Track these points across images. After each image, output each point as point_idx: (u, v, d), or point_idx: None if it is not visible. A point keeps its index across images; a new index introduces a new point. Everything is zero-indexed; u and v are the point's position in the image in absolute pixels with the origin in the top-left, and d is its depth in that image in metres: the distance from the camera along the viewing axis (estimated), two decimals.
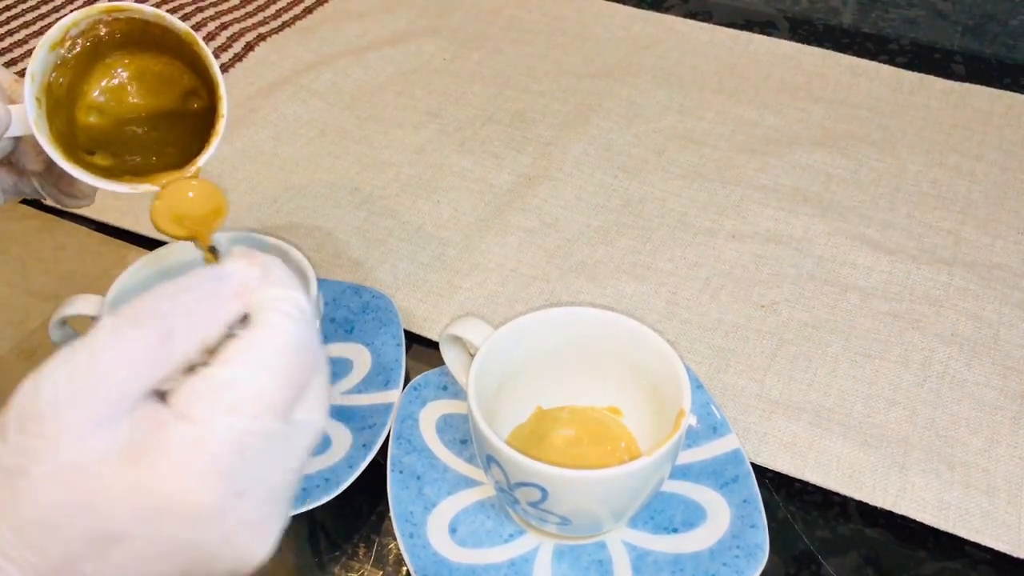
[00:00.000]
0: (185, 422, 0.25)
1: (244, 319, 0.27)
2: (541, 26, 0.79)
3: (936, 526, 0.45)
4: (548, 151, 0.66)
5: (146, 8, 0.38)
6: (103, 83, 0.41)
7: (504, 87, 0.72)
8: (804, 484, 0.47)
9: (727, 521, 0.43)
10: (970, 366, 0.52)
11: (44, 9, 0.80)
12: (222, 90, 0.39)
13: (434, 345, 0.47)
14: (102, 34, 0.39)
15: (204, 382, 0.25)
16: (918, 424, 0.49)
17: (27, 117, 0.35)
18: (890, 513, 0.46)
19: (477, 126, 0.68)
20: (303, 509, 0.42)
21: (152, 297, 0.26)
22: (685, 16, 0.80)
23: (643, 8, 0.82)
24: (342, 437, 0.46)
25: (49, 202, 0.43)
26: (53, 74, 0.38)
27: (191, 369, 0.26)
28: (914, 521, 0.45)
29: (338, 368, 0.50)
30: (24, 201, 0.60)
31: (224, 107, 0.39)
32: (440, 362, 0.47)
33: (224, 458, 0.24)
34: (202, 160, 0.38)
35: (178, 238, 0.38)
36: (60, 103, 0.38)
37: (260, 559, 0.26)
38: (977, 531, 0.45)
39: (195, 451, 0.24)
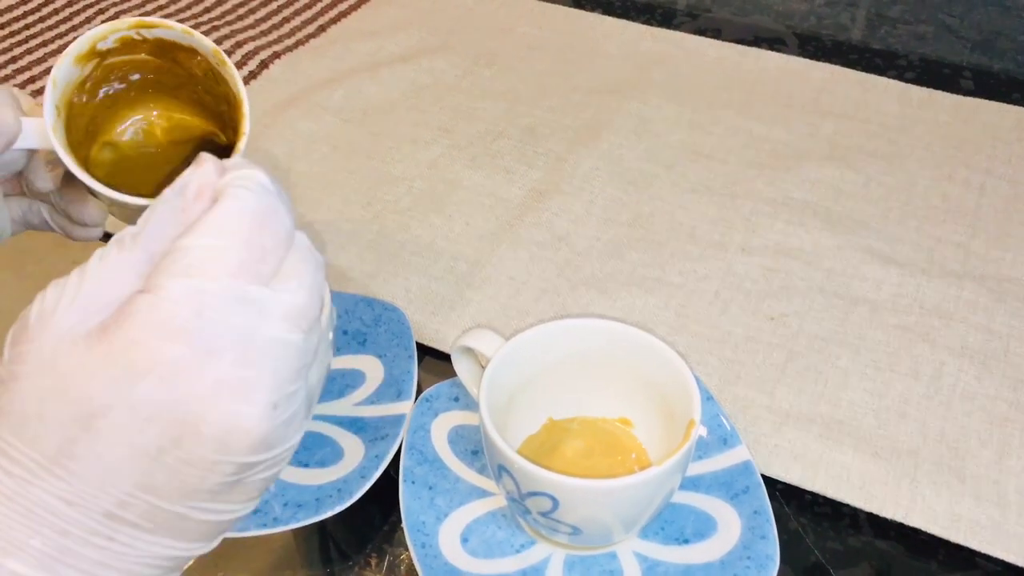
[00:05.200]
0: (145, 292, 0.26)
1: None
2: (551, 43, 0.80)
3: (947, 538, 0.45)
4: (559, 166, 0.67)
5: (174, 24, 0.38)
6: (126, 127, 0.42)
7: (515, 103, 0.73)
8: (815, 496, 0.47)
9: (737, 532, 0.43)
10: (980, 379, 0.52)
11: (63, 28, 0.81)
12: (245, 107, 0.38)
13: (446, 357, 0.47)
14: (129, 74, 0.40)
15: (165, 258, 0.26)
16: (929, 436, 0.49)
17: (45, 124, 0.36)
18: (901, 525, 0.46)
19: (488, 141, 0.69)
20: (316, 519, 0.43)
21: (128, 228, 0.28)
22: (694, 32, 0.81)
23: (652, 25, 0.82)
24: (355, 448, 0.47)
25: (58, 233, 0.43)
26: (77, 97, 0.38)
27: None
28: (925, 533, 0.45)
29: (351, 380, 0.50)
30: None
31: (246, 125, 0.39)
32: (452, 374, 0.47)
33: (181, 317, 0.25)
34: None
35: None
36: (79, 134, 0.39)
37: (252, 428, 0.26)
38: (988, 543, 0.45)
39: (153, 313, 0.25)
